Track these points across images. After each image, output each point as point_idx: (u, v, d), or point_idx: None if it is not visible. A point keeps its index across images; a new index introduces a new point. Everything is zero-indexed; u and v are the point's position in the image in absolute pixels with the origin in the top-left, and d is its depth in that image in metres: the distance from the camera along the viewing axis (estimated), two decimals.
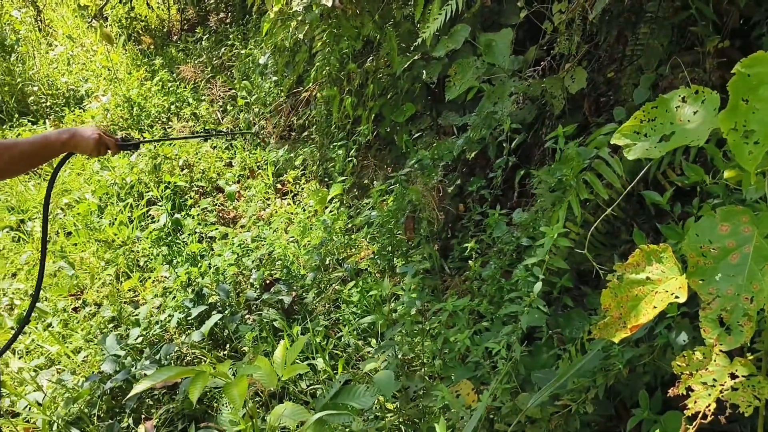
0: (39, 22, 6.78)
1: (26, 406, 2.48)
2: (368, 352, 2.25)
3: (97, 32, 5.85)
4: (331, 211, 3.09)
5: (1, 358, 2.85)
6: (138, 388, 1.57)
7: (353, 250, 2.83)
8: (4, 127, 5.17)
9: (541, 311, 1.73)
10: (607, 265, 1.75)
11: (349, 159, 3.31)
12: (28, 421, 2.42)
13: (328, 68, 3.53)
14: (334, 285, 2.61)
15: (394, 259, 2.62)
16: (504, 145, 2.38)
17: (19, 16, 6.17)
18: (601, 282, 1.95)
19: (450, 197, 2.86)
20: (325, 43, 3.51)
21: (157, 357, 2.36)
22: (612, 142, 1.14)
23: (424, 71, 3.11)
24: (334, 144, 3.47)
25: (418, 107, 3.30)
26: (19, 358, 2.85)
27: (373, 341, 2.30)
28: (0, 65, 5.95)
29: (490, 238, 2.31)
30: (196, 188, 3.70)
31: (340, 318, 2.46)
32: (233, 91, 4.62)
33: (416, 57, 3.16)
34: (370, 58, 3.56)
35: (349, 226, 3.05)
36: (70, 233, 3.64)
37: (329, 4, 3.24)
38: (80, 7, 6.43)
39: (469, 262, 2.37)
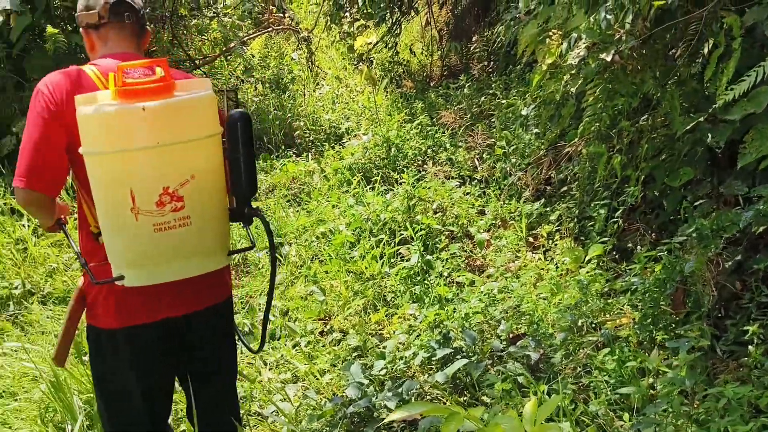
0: (310, 63, 7.87)
1: (273, 411, 2.92)
2: (621, 426, 2.29)
3: (362, 74, 6.65)
4: (587, 272, 3.18)
5: (254, 367, 3.38)
6: (393, 416, 1.79)
7: (610, 315, 2.89)
8: (272, 156, 6.09)
9: None
10: None
11: (614, 220, 3.38)
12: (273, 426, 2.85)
13: (597, 124, 3.66)
14: (586, 349, 2.69)
15: (656, 331, 2.63)
16: None
17: (297, 58, 7.25)
18: None
19: (727, 273, 2.79)
20: (598, 98, 3.65)
21: (399, 390, 2.63)
22: None
23: (709, 134, 3.09)
24: (596, 203, 3.56)
25: (696, 172, 3.27)
26: (269, 369, 3.34)
27: (626, 415, 2.33)
28: (274, 101, 7.03)
29: None
30: (447, 232, 4.03)
31: (591, 384, 2.53)
32: (492, 140, 4.94)
33: (701, 118, 3.15)
34: (646, 116, 3.62)
35: (607, 289, 3.11)
36: (322, 261, 4.17)
37: (608, 59, 3.39)
38: (350, 50, 7.35)
39: (749, 347, 2.30)
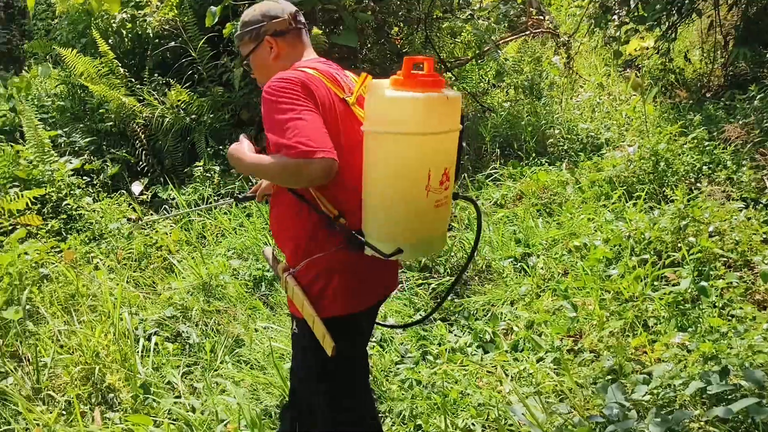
0: (569, 69, 7.75)
1: (522, 413, 2.89)
2: None
3: (629, 82, 6.39)
4: None
5: (494, 376, 3.38)
6: None
7: None
8: (521, 164, 6.07)
9: None
10: None
11: None
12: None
13: None
14: None
15: None
16: None
17: (558, 63, 7.18)
18: None
19: None
20: None
21: (669, 418, 2.46)
22: None
23: None
24: None
25: None
26: (511, 379, 3.31)
27: None
28: (528, 107, 7.02)
29: None
30: (724, 259, 3.72)
31: None
32: None
33: None
34: None
35: None
36: (574, 276, 4.06)
37: None
38: (615, 55, 7.12)
39: None
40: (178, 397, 3.36)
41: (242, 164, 2.16)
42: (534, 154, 6.21)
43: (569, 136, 6.37)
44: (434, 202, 1.98)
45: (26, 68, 7.93)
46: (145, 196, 5.85)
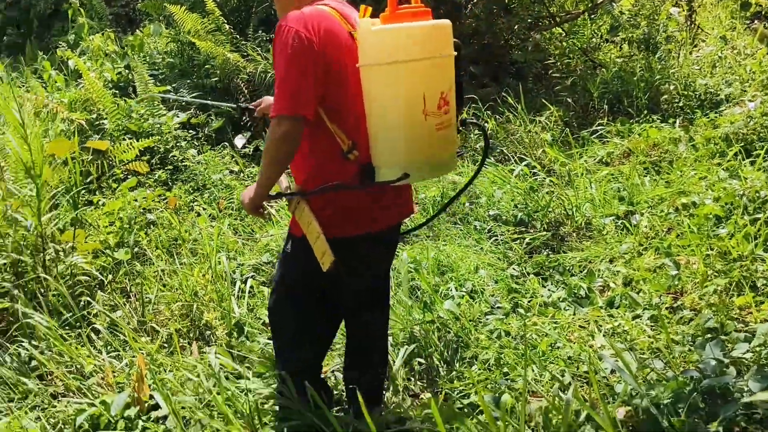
0: (689, 22, 7.37)
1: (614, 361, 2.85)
2: None
3: (756, 34, 6.02)
4: None
5: (587, 330, 3.33)
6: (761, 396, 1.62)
7: None
8: (631, 120, 5.87)
9: None
10: None
11: None
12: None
13: None
14: None
15: None
16: None
17: (677, 14, 6.85)
18: None
19: None
20: None
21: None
22: None
23: None
24: None
25: None
26: (604, 335, 3.25)
27: None
28: (642, 62, 6.75)
29: None
30: None
31: None
32: None
33: None
34: None
35: None
36: (679, 234, 3.92)
37: None
38: (742, 7, 6.72)
39: None
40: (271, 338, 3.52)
41: (256, 190, 2.37)
42: (646, 111, 5.98)
43: (685, 93, 6.09)
44: (434, 125, 2.13)
45: (140, 28, 8.32)
46: (247, 149, 6.07)
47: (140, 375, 2.86)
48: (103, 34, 7.27)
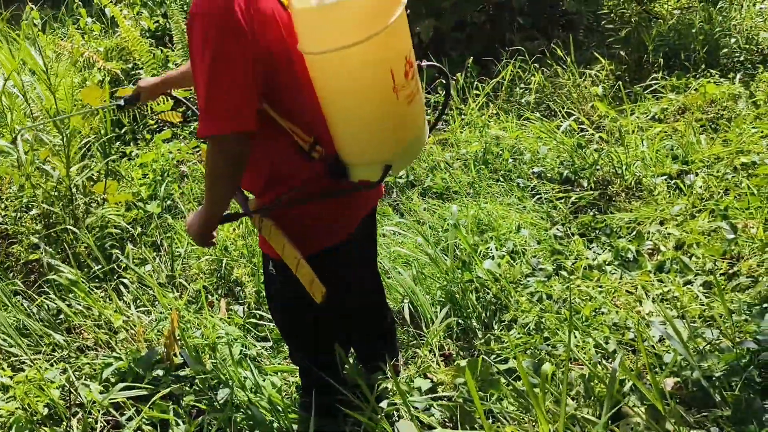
0: None
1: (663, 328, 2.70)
2: None
3: None
4: None
5: (634, 296, 3.16)
6: None
7: None
8: (688, 76, 5.57)
9: None
10: None
11: None
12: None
13: None
14: None
15: None
16: None
17: None
18: None
19: None
20: None
21: None
22: None
23: None
24: None
25: None
26: (652, 301, 3.08)
27: None
28: (701, 12, 6.39)
29: None
30: None
31: None
32: None
33: None
34: None
35: None
36: (737, 196, 3.70)
37: None
38: None
39: None
40: None
41: (204, 216, 1.94)
42: (704, 66, 5.66)
43: (747, 47, 5.74)
44: (405, 99, 1.76)
45: None
46: None
47: (171, 332, 2.79)
48: None
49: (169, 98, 2.70)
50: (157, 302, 3.26)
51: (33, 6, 5.13)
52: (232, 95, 1.68)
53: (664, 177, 4.19)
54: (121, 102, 2.57)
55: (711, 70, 5.58)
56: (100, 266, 3.47)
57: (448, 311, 3.05)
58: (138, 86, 2.53)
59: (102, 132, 4.29)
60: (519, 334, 2.99)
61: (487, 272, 3.17)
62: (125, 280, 3.43)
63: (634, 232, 3.68)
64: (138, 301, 3.35)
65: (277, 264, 2.09)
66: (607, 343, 2.86)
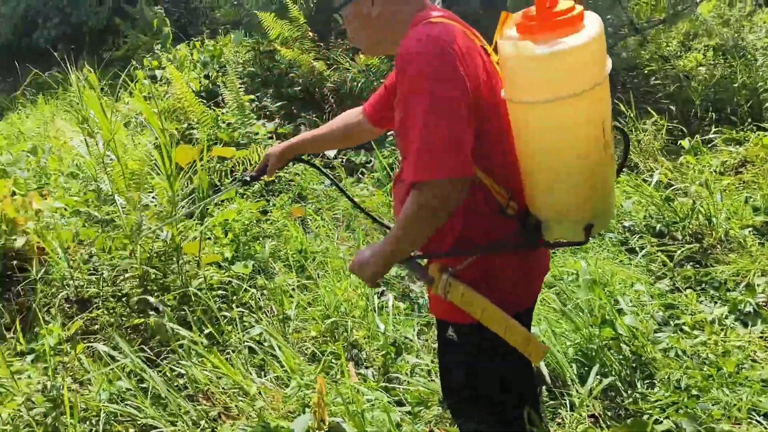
0: None
1: None
2: None
3: None
4: None
5: None
6: None
7: None
8: (734, 129, 5.64)
9: None
10: None
11: None
12: None
13: None
14: None
15: None
16: None
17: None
18: None
19: None
20: None
21: None
22: None
23: None
24: None
25: None
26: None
27: None
28: (740, 68, 6.54)
29: None
30: None
31: None
32: None
33: None
34: None
35: None
36: None
37: None
38: None
39: None
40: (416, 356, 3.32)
41: (383, 254, 1.82)
42: (749, 120, 5.77)
43: None
44: (610, 154, 1.67)
45: (197, 38, 8.19)
46: (338, 161, 5.89)
47: (320, 398, 2.67)
48: (189, 43, 7.16)
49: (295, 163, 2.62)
50: (282, 367, 3.13)
51: (90, 69, 5.05)
52: (452, 139, 1.61)
53: (749, 229, 4.20)
54: (247, 178, 2.50)
55: (756, 124, 5.69)
56: (207, 330, 3.34)
57: (596, 371, 2.97)
58: (266, 155, 2.46)
59: (199, 193, 4.19)
60: (665, 392, 2.92)
61: (628, 328, 3.11)
62: (250, 344, 3.28)
63: (743, 285, 3.66)
64: (263, 366, 3.21)
65: (462, 329, 1.94)
66: (760, 401, 2.80)
